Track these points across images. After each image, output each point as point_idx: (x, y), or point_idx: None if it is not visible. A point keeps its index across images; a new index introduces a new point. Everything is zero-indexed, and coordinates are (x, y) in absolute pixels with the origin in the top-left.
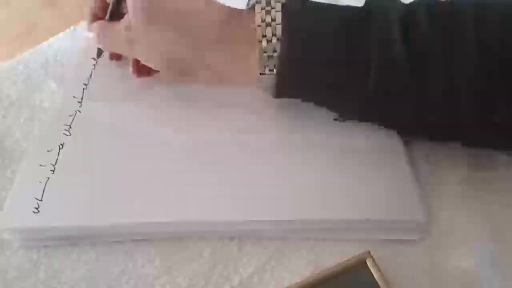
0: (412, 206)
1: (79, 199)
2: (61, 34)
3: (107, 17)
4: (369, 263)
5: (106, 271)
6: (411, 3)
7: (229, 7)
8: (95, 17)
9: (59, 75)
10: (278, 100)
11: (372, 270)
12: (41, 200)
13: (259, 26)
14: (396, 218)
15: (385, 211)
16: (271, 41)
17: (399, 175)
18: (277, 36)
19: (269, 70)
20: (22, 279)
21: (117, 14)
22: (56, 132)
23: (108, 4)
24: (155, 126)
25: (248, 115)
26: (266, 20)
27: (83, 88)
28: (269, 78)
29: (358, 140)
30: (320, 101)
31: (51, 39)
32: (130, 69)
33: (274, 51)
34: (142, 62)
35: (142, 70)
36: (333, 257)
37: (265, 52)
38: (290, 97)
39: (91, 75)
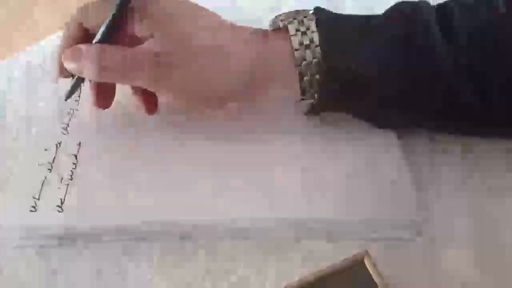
0: (410, 205)
1: (77, 198)
2: (59, 33)
3: (97, 39)
4: (366, 262)
5: (106, 271)
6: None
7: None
8: (73, 43)
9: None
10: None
11: (369, 270)
12: (38, 199)
13: (297, 50)
14: (394, 218)
15: (383, 211)
16: (311, 63)
17: (397, 174)
18: (318, 58)
19: (312, 94)
20: (21, 279)
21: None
22: (54, 130)
23: (88, 33)
24: (153, 127)
25: (246, 115)
26: (305, 43)
27: (80, 87)
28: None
29: (356, 140)
30: (364, 114)
31: (50, 38)
32: (136, 103)
33: (316, 73)
34: (175, 98)
35: (149, 102)
36: (331, 256)
37: (305, 76)
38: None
39: None
